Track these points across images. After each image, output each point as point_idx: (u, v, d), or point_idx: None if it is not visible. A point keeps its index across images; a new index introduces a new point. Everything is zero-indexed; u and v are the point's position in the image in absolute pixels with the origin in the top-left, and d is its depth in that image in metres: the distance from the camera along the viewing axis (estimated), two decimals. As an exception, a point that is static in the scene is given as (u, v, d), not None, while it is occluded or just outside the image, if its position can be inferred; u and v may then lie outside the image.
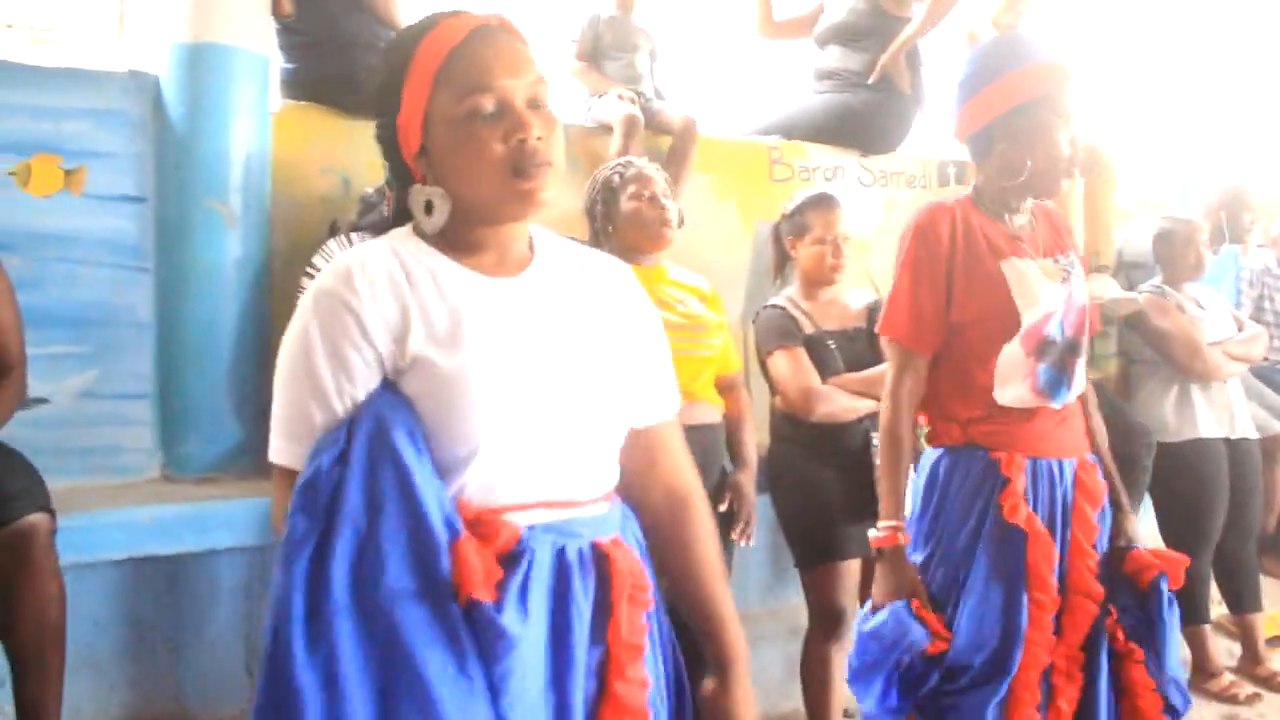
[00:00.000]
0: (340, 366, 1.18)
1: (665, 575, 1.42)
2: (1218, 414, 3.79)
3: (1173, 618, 2.08)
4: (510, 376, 1.21)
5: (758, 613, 3.42)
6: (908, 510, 2.11)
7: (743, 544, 2.71)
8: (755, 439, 2.82)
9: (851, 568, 2.76)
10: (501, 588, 1.14)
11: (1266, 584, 4.09)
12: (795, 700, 2.88)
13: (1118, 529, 2.15)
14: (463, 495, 1.19)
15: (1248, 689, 3.64)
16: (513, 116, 1.21)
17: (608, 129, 3.47)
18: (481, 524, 1.17)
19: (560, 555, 1.22)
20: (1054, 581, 1.99)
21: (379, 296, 1.19)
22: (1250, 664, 3.81)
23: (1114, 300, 3.87)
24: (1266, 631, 3.98)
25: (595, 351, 1.30)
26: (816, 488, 2.79)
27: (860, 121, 3.95)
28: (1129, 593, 2.08)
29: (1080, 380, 2.11)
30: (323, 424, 1.17)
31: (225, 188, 2.83)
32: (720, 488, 2.69)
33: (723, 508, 2.65)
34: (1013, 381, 2.02)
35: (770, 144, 3.87)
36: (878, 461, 2.73)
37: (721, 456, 2.72)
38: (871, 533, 2.08)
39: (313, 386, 1.18)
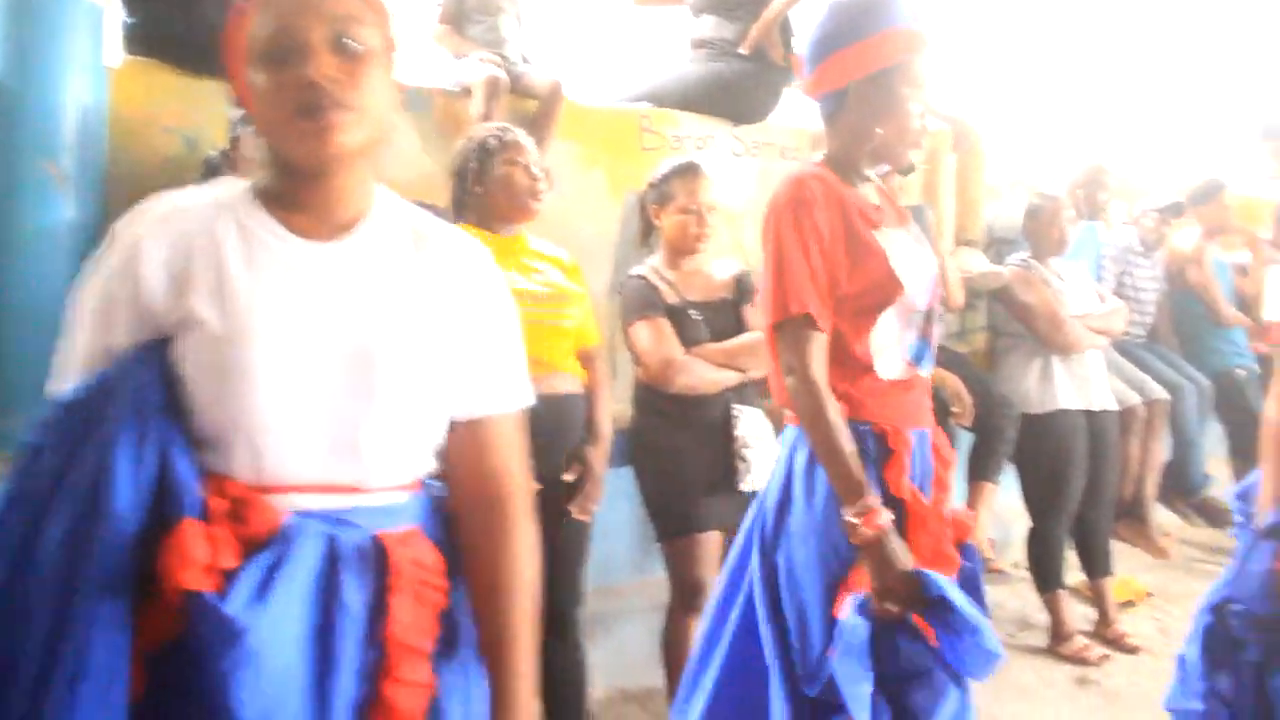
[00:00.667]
0: (107, 308, 1.13)
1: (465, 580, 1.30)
2: (1078, 386, 3.88)
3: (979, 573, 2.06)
4: (289, 347, 1.12)
5: (624, 587, 3.39)
6: (773, 499, 1.99)
7: (583, 518, 2.65)
8: (611, 412, 2.76)
9: (711, 539, 2.72)
10: (233, 576, 1.05)
11: (1120, 550, 4.23)
12: (660, 676, 2.85)
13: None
14: (229, 471, 1.10)
15: (1098, 651, 3.75)
16: (298, 55, 1.12)
17: (470, 93, 3.36)
18: (242, 504, 1.08)
19: (332, 544, 1.12)
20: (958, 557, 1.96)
21: (168, 244, 1.13)
22: (1103, 626, 3.94)
23: (981, 274, 3.93)
24: (1117, 596, 4.12)
25: (409, 330, 1.21)
26: (676, 460, 2.75)
27: (732, 91, 3.90)
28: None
29: (936, 349, 2.11)
30: (78, 364, 1.14)
31: (56, 146, 2.64)
32: (571, 459, 2.64)
33: (569, 477, 2.61)
34: (889, 353, 1.97)
35: (641, 112, 3.80)
36: (739, 433, 2.77)
37: (579, 428, 2.67)
38: (850, 519, 1.81)
39: (79, 322, 1.15)
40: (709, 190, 2.83)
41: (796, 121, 4.10)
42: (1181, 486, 4.73)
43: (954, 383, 3.47)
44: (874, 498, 1.82)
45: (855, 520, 1.80)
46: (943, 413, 3.52)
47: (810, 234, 1.90)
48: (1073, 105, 5.82)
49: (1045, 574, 3.86)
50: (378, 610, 1.14)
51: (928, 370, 2.05)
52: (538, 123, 3.37)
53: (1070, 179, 4.50)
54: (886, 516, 1.82)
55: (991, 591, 3.93)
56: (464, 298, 1.28)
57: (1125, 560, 4.36)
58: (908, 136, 1.99)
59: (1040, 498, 3.87)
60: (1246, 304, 5.12)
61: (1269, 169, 5.43)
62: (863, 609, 1.79)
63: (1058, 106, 5.78)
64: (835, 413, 1.87)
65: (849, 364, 1.96)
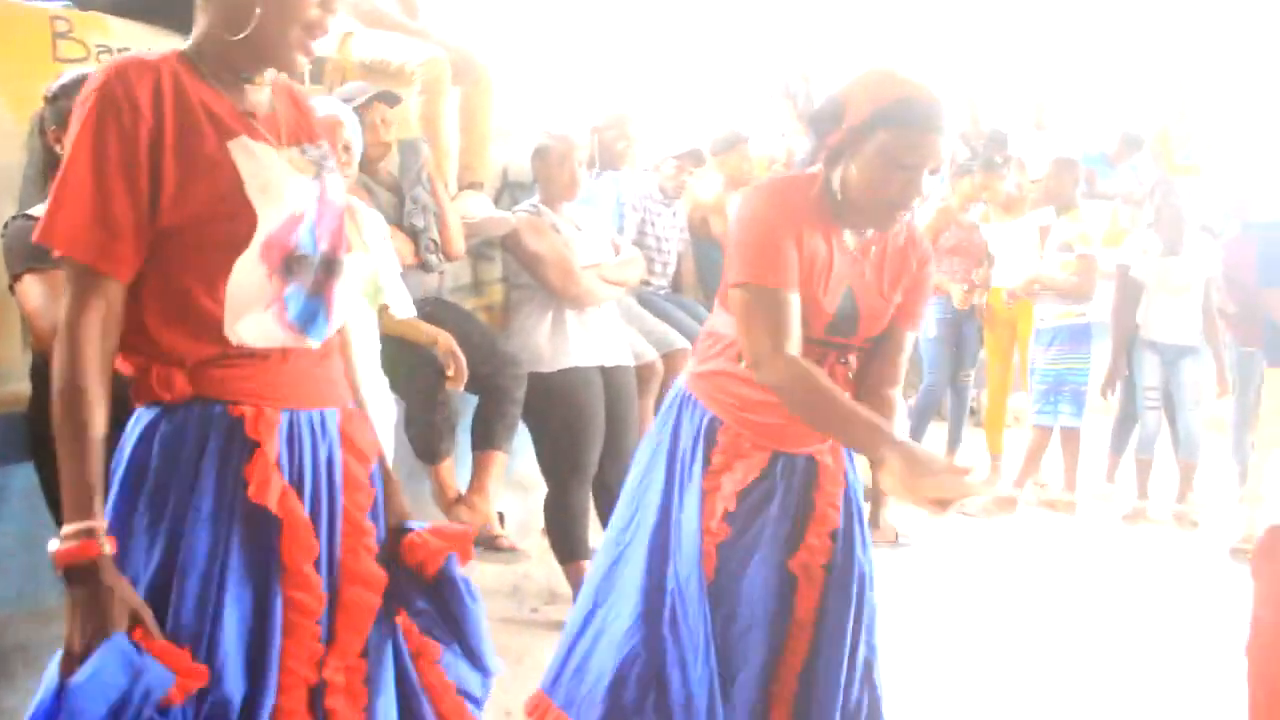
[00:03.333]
0: None
1: None
2: (593, 340, 3.63)
3: (476, 605, 1.66)
4: None
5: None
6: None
7: None
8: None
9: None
10: None
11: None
12: None
13: (389, 504, 1.69)
14: None
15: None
16: None
17: None
18: None
19: None
20: (318, 576, 1.50)
21: None
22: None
23: (483, 220, 3.56)
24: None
25: None
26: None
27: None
28: (414, 585, 1.63)
29: (342, 309, 1.63)
30: None
31: None
32: None
33: None
34: (253, 310, 1.48)
35: (54, 12, 3.03)
36: None
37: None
38: (53, 545, 1.37)
39: None
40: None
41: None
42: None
43: (445, 341, 3.07)
44: (98, 518, 1.37)
45: (64, 543, 1.35)
46: (439, 376, 3.12)
47: (109, 143, 1.39)
48: (600, 47, 5.62)
49: (567, 543, 3.60)
50: None
51: (322, 335, 1.58)
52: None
53: (590, 123, 4.26)
54: (106, 549, 1.36)
55: (512, 568, 3.68)
56: None
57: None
58: (297, 21, 1.48)
59: (556, 462, 3.59)
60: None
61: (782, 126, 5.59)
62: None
63: (584, 47, 5.54)
64: (95, 382, 1.39)
65: (196, 323, 1.46)
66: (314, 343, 1.56)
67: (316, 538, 1.51)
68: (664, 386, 4.06)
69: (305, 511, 1.50)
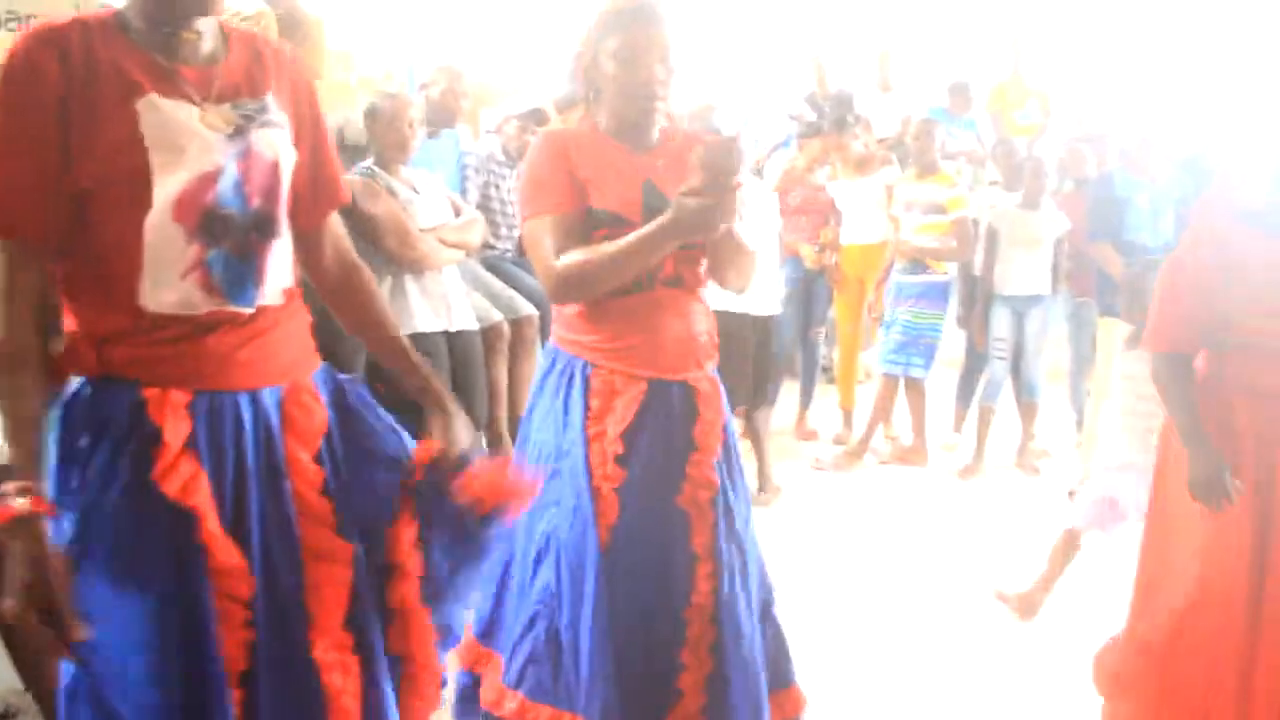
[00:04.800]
0: None
1: None
2: (434, 305, 3.53)
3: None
4: None
5: None
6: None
7: None
8: None
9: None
10: None
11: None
12: None
13: (441, 434, 1.67)
14: None
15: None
16: None
17: None
18: None
19: None
20: (241, 562, 1.44)
21: None
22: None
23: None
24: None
25: None
26: None
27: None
28: (445, 518, 1.62)
29: (281, 273, 1.53)
30: None
31: None
32: None
33: None
34: (169, 276, 1.41)
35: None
36: None
37: None
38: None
39: None
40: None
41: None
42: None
43: None
44: (36, 477, 1.36)
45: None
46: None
47: (14, 110, 1.40)
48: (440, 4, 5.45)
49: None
50: None
51: (252, 300, 1.48)
52: None
53: (422, 80, 4.12)
54: (24, 503, 1.31)
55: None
56: None
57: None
58: None
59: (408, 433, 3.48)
60: None
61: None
62: None
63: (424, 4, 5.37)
64: (30, 347, 1.41)
65: (106, 291, 1.43)
66: (243, 309, 1.46)
67: (244, 525, 1.46)
68: (513, 352, 3.98)
69: (216, 497, 1.43)
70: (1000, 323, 5.32)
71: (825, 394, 6.19)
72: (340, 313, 1.75)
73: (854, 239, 5.62)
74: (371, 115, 3.50)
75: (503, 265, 4.24)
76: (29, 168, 1.38)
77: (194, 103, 1.44)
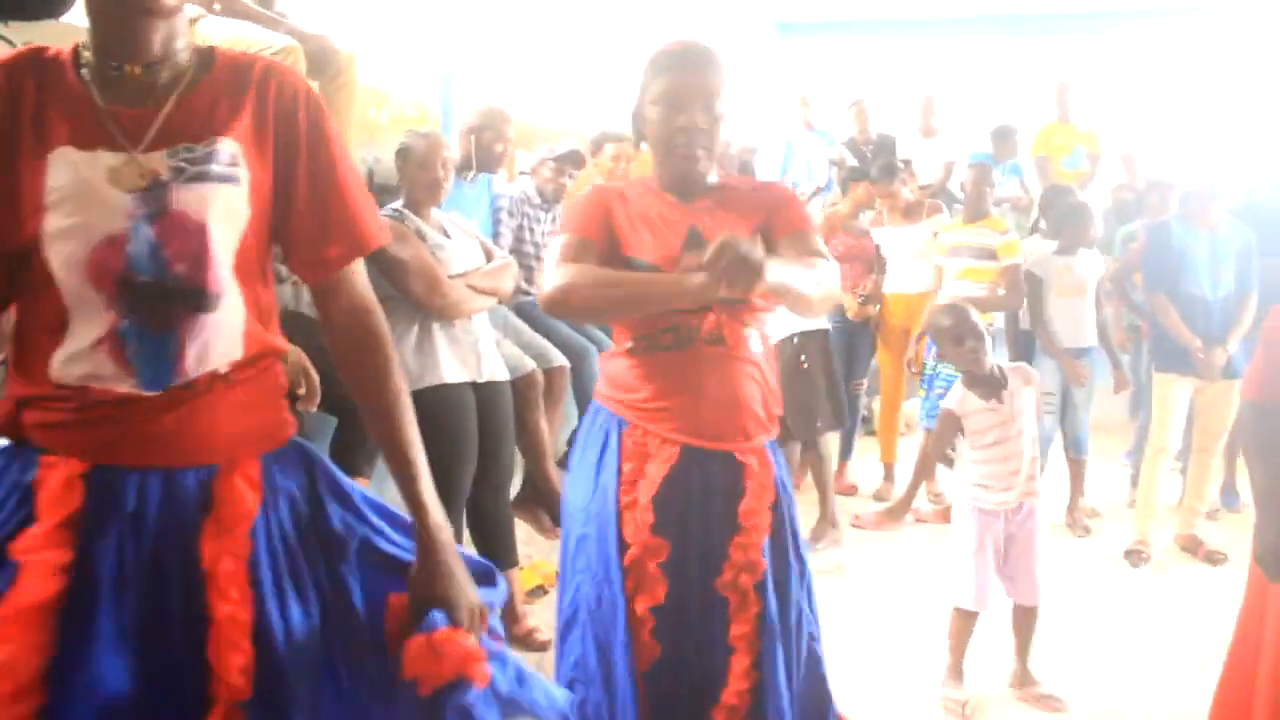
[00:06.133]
0: None
1: None
2: (462, 355, 3.37)
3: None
4: None
5: None
6: None
7: None
8: None
9: None
10: None
11: (527, 532, 3.85)
12: None
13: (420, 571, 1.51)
14: None
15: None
16: None
17: None
18: None
19: None
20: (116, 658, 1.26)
21: None
22: (510, 623, 3.50)
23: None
24: (525, 585, 3.73)
25: None
26: None
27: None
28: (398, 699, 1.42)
29: (212, 350, 1.34)
30: None
31: None
32: None
33: None
34: (81, 341, 1.28)
35: None
36: None
37: None
38: None
39: None
40: None
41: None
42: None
43: (295, 356, 2.77)
44: None
45: None
46: (292, 398, 2.82)
47: None
48: (483, 43, 5.34)
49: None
50: None
51: (163, 384, 1.30)
52: None
53: (464, 121, 4.00)
54: None
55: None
56: None
57: (533, 542, 3.99)
58: None
59: (426, 486, 3.33)
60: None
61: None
62: None
63: (465, 39, 5.26)
64: None
65: (28, 354, 1.33)
66: (149, 390, 1.29)
67: (119, 618, 1.26)
68: (549, 402, 3.81)
69: (91, 582, 1.26)
70: (1048, 376, 5.11)
71: (866, 447, 5.98)
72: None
73: (899, 288, 5.44)
74: (403, 155, 3.37)
75: (536, 313, 4.08)
76: None
77: (120, 149, 1.29)
